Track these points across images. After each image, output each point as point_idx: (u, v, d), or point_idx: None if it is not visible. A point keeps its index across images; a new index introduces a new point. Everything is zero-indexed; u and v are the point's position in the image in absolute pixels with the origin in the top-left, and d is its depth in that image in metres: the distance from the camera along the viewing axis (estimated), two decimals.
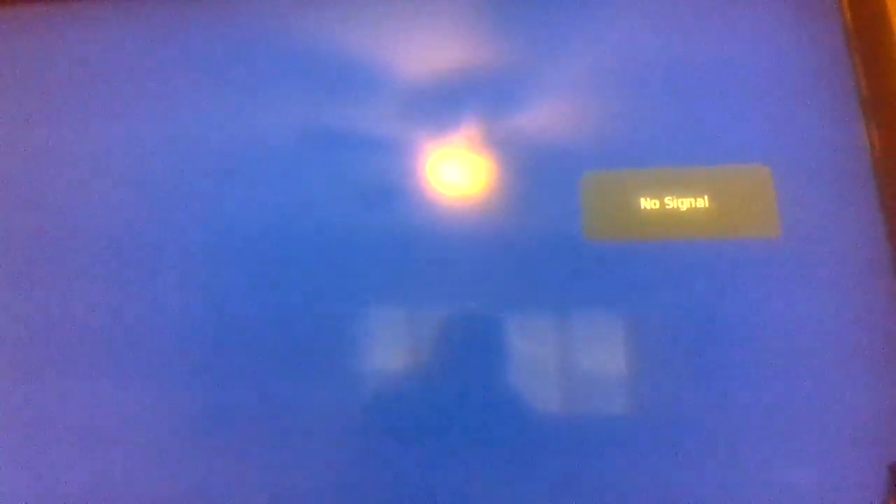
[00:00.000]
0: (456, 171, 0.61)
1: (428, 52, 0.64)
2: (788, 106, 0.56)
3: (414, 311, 0.58)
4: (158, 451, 0.57)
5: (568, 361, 0.56)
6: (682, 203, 0.56)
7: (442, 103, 0.62)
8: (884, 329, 0.53)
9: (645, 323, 0.55)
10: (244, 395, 0.57)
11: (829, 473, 0.51)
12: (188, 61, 0.66)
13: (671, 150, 0.57)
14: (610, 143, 0.58)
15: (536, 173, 0.59)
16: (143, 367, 0.59)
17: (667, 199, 0.56)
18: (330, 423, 0.56)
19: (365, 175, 0.61)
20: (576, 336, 0.56)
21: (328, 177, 0.61)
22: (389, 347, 0.57)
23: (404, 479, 0.55)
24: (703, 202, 0.56)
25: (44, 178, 0.64)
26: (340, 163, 0.61)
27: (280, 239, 0.60)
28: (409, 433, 0.56)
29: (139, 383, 0.59)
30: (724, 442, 0.52)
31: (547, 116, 0.60)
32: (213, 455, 0.57)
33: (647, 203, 0.56)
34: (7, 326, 0.61)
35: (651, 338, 0.55)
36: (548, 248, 0.57)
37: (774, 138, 0.56)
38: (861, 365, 0.52)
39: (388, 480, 0.55)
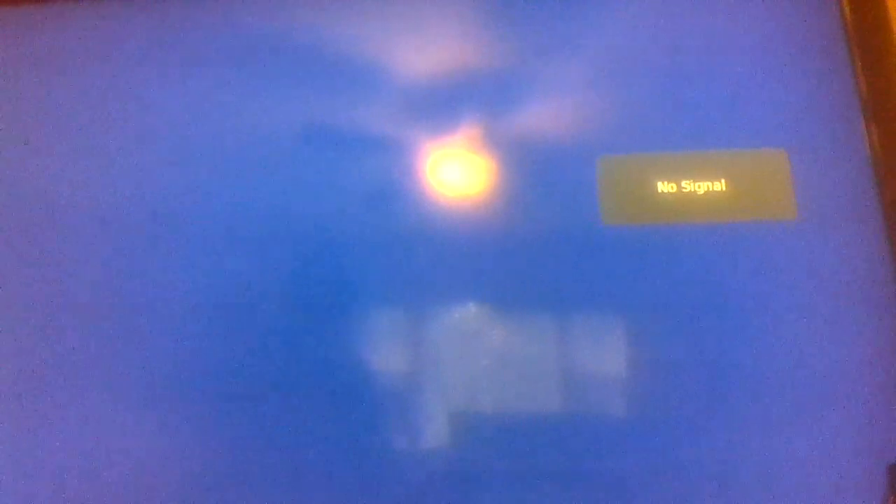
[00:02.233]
0: (473, 162, 0.60)
1: (441, 44, 0.63)
2: (802, 93, 0.57)
3: (433, 303, 0.57)
4: (153, 439, 0.56)
5: (586, 345, 0.55)
6: (699, 186, 0.56)
7: (454, 96, 0.61)
8: (889, 321, 0.53)
9: (662, 305, 0.54)
10: (243, 392, 0.56)
11: (829, 473, 0.50)
12: (189, 59, 0.65)
13: (688, 134, 0.58)
14: (626, 128, 0.58)
15: (553, 160, 0.59)
16: (141, 364, 0.58)
17: (684, 183, 0.56)
18: (330, 422, 0.55)
19: (375, 174, 0.60)
20: (594, 319, 0.55)
21: (344, 176, 0.60)
22: (408, 342, 0.57)
23: (407, 478, 0.54)
24: (720, 185, 0.56)
25: (46, 172, 0.63)
26: (356, 162, 0.60)
27: (283, 237, 0.59)
28: (416, 432, 0.55)
29: (136, 377, 0.57)
30: (722, 439, 0.52)
31: (562, 104, 0.60)
32: (210, 445, 0.55)
33: (664, 187, 0.56)
34: (12, 309, 0.60)
35: (668, 319, 0.54)
36: (565, 232, 0.57)
37: (790, 123, 0.57)
38: (865, 360, 0.52)
39: (389, 479, 0.54)
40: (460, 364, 0.55)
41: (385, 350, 0.57)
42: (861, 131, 0.57)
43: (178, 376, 0.57)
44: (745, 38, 0.59)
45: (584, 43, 0.61)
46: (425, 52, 0.63)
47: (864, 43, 0.59)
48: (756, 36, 0.59)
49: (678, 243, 0.55)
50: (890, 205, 0.54)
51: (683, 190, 0.56)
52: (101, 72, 0.65)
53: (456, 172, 0.60)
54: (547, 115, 0.60)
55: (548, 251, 0.56)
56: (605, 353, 0.55)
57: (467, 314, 0.56)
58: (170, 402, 0.56)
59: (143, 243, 0.60)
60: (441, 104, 0.61)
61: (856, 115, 0.57)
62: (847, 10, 0.60)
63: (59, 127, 0.64)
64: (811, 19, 0.60)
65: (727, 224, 0.55)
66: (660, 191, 0.56)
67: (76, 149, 0.63)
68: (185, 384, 0.57)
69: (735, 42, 0.59)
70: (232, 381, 0.56)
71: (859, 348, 0.52)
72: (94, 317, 0.59)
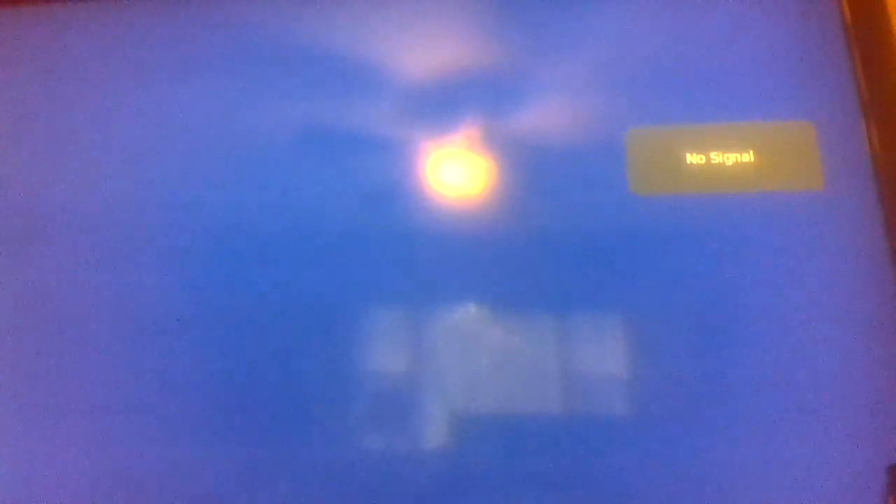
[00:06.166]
0: (504, 149, 0.60)
1: (460, 34, 0.64)
2: (829, 67, 0.59)
3: (446, 301, 0.57)
4: (155, 441, 0.55)
5: (616, 313, 0.56)
6: (727, 158, 0.57)
7: (474, 86, 0.62)
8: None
9: (690, 275, 0.55)
10: (242, 392, 0.56)
11: (830, 473, 0.50)
12: (188, 59, 0.65)
13: (717, 106, 0.59)
14: (656, 101, 0.59)
15: (584, 131, 0.59)
16: (141, 365, 0.57)
17: (712, 154, 0.57)
18: (330, 422, 0.55)
19: (388, 173, 0.60)
20: (625, 288, 0.56)
21: (343, 176, 0.60)
22: (428, 339, 0.57)
23: (408, 478, 0.53)
24: (748, 157, 0.56)
25: (44, 174, 0.63)
26: (357, 162, 0.61)
27: (283, 238, 0.59)
28: (421, 432, 0.55)
29: (136, 379, 0.57)
30: (722, 439, 0.51)
31: (591, 77, 0.61)
32: (210, 446, 0.55)
33: (693, 158, 0.57)
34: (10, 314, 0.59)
35: (693, 292, 0.55)
36: (596, 202, 0.57)
37: (817, 96, 0.58)
38: (868, 356, 0.52)
39: (389, 479, 0.53)
40: (468, 363, 0.55)
41: (403, 349, 0.57)
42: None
43: (178, 378, 0.56)
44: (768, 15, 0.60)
45: (615, 18, 0.62)
46: (438, 45, 0.63)
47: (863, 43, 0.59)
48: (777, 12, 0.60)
49: (706, 212, 0.56)
50: (891, 210, 0.54)
51: (712, 161, 0.57)
52: (101, 73, 0.65)
53: (479, 162, 0.60)
54: (576, 89, 0.61)
55: (578, 219, 0.57)
56: (620, 337, 0.55)
57: (482, 312, 0.56)
58: (169, 403, 0.56)
59: (142, 245, 0.60)
60: (461, 96, 0.61)
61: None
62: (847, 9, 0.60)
63: (58, 129, 0.64)
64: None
65: (755, 194, 0.56)
66: (688, 162, 0.57)
67: (75, 150, 0.63)
68: (185, 386, 0.56)
69: (762, 17, 0.60)
70: (231, 382, 0.56)
71: (864, 340, 0.52)
72: (94, 319, 0.58)
